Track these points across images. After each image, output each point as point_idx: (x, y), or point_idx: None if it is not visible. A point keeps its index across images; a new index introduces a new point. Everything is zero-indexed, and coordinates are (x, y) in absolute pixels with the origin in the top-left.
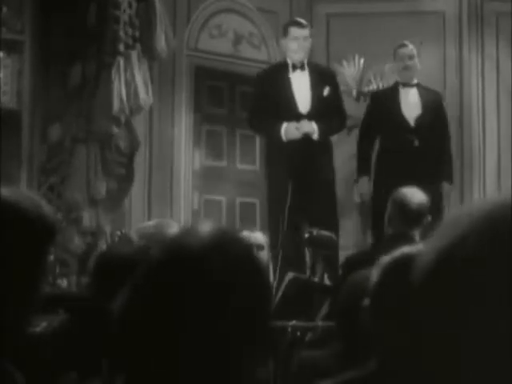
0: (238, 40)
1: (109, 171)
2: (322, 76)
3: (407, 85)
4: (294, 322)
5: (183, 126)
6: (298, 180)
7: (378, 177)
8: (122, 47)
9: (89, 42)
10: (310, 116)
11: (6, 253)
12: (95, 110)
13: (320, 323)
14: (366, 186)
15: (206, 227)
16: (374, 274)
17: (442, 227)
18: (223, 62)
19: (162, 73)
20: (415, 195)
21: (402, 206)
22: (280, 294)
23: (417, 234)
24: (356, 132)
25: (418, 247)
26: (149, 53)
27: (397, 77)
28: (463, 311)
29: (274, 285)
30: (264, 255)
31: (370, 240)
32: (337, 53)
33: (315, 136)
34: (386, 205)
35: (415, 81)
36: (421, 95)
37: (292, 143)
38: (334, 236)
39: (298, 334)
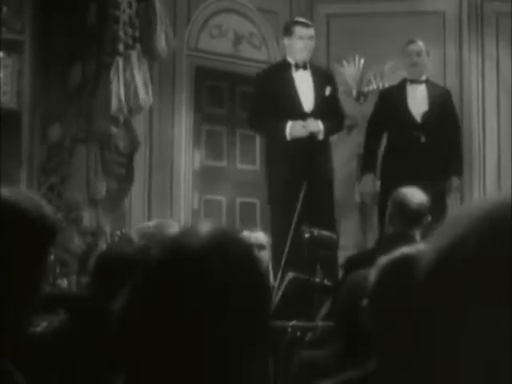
0: (238, 40)
1: (109, 171)
2: (322, 76)
3: (415, 81)
4: (294, 322)
5: (183, 125)
6: (307, 180)
7: (384, 174)
8: (121, 47)
9: (89, 42)
10: (313, 115)
11: (6, 253)
12: (95, 110)
13: (320, 323)
14: (370, 183)
15: (205, 227)
16: (373, 274)
17: (443, 227)
18: (223, 62)
19: (162, 73)
20: (415, 195)
21: (402, 206)
22: (280, 293)
23: (417, 233)
24: (356, 132)
25: (416, 247)
26: (149, 53)
27: (405, 73)
28: (463, 311)
29: (276, 285)
30: (265, 255)
31: (370, 240)
32: (337, 53)
33: (320, 136)
34: None
35: (424, 77)
36: (429, 91)
37: (295, 142)
38: (334, 236)
39: (298, 333)
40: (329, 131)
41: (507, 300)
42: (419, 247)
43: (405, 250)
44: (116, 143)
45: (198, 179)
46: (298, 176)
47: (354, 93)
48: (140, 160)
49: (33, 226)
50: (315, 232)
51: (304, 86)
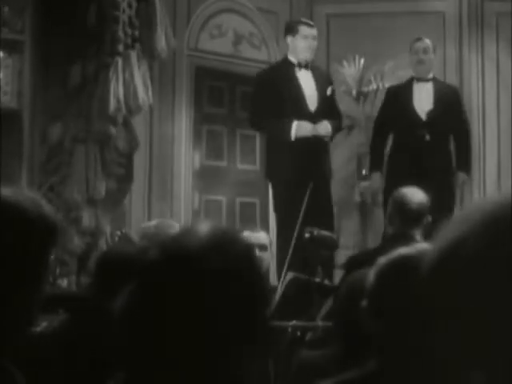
0: (238, 40)
1: (108, 171)
2: (322, 76)
3: (422, 79)
4: (294, 322)
5: (183, 126)
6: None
7: (390, 173)
8: (121, 47)
9: (88, 42)
10: (317, 114)
11: (7, 253)
12: (94, 110)
13: (320, 323)
14: (378, 180)
15: (205, 227)
16: (371, 274)
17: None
18: (223, 62)
19: (162, 73)
20: (415, 195)
21: (402, 206)
22: (280, 293)
23: (417, 233)
24: (355, 132)
25: (415, 248)
26: (149, 53)
27: (405, 73)
28: (463, 311)
29: (279, 286)
30: (267, 255)
31: (370, 240)
32: (337, 53)
33: (327, 137)
34: None
35: (431, 75)
36: (435, 90)
37: (300, 142)
38: (334, 236)
39: (298, 333)
40: (334, 132)
41: (507, 300)
42: (418, 247)
43: (403, 250)
44: (116, 143)
45: (198, 179)
46: (303, 176)
47: (354, 93)
48: (140, 160)
49: (33, 226)
50: (315, 232)
51: (308, 85)
